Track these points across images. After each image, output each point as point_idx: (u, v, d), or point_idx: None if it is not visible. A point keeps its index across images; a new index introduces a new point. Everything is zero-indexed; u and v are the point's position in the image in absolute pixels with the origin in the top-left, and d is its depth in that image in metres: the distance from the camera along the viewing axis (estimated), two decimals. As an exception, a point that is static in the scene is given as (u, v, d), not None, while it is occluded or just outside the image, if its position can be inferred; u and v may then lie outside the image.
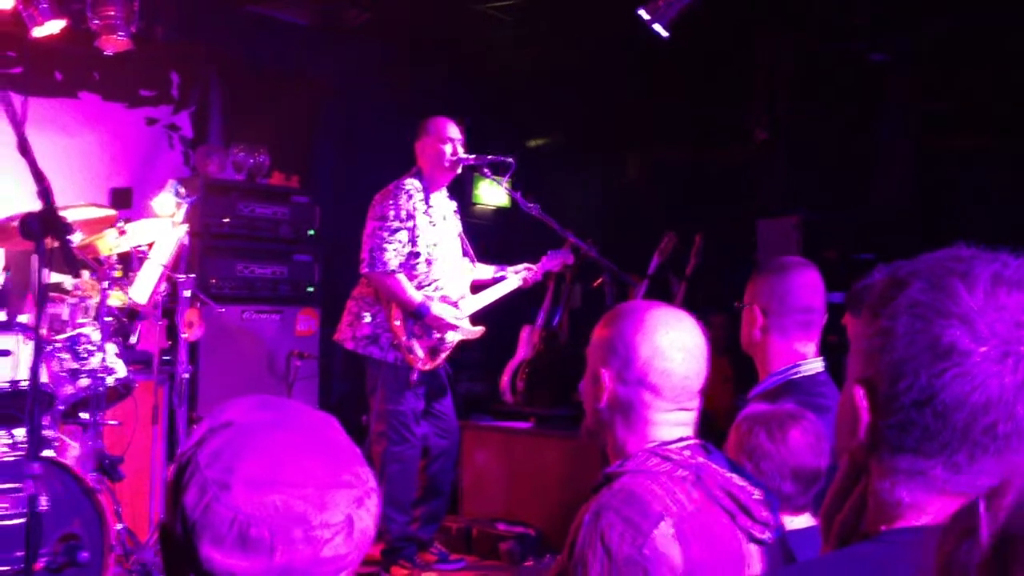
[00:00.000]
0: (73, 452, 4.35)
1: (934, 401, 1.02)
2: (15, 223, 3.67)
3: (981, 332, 1.01)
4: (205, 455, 1.10)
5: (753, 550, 1.78)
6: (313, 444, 1.13)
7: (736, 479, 1.79)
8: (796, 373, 2.70)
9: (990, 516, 0.74)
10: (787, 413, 2.26)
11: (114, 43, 5.09)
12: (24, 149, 2.78)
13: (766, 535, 1.78)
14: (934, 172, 5.87)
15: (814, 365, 2.72)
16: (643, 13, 4.87)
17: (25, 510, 3.58)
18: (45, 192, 2.73)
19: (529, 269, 5.32)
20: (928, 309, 1.03)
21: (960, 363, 1.01)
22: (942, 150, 5.94)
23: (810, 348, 2.74)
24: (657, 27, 4.87)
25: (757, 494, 1.79)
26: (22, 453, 3.72)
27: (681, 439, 1.84)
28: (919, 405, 1.03)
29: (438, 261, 5.00)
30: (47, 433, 3.97)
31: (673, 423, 1.85)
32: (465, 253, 5.26)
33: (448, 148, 4.96)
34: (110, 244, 4.40)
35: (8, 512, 3.67)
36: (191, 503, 1.08)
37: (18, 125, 2.80)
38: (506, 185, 5.01)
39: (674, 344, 1.84)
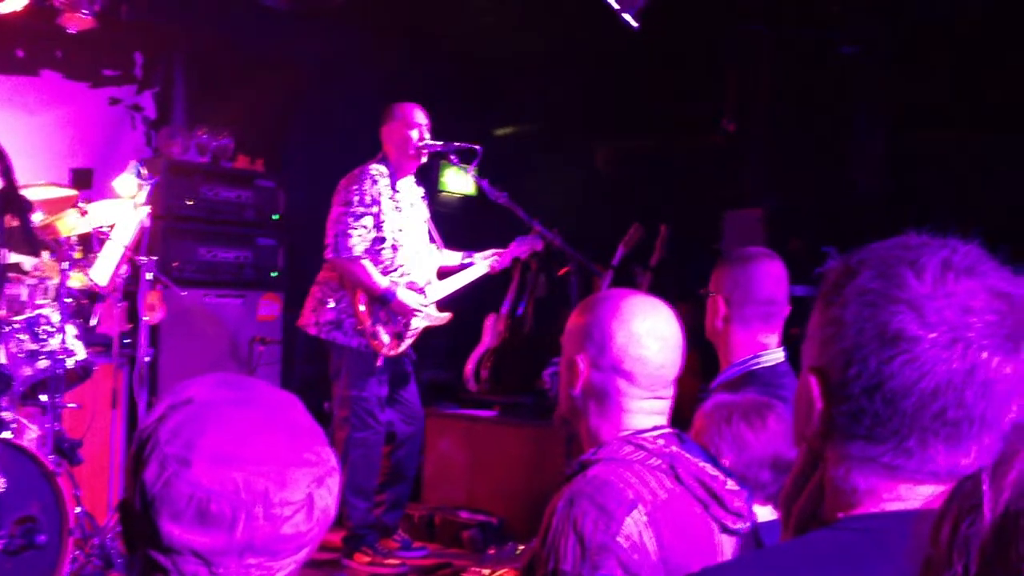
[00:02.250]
0: (31, 435, 4.30)
1: (883, 388, 1.02)
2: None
3: (929, 318, 1.01)
4: (166, 431, 1.10)
5: (725, 540, 1.78)
6: (274, 422, 1.14)
7: (709, 469, 1.79)
8: (757, 364, 2.72)
9: (993, 492, 0.74)
10: (762, 402, 2.27)
11: (78, 21, 5.03)
12: (-16, 126, 2.73)
13: (739, 525, 1.79)
14: (905, 164, 5.92)
15: (775, 356, 2.74)
16: (612, 2, 4.87)
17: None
18: (6, 170, 2.69)
19: (497, 255, 5.32)
20: (877, 296, 1.04)
21: (909, 350, 1.01)
22: (913, 143, 5.99)
23: (772, 339, 2.77)
24: (627, 17, 4.88)
25: (731, 484, 1.80)
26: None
27: (655, 428, 1.84)
28: (869, 392, 1.03)
29: (404, 247, 4.98)
30: (5, 415, 3.92)
31: (647, 411, 1.86)
32: (432, 239, 5.25)
33: (415, 134, 4.94)
34: (70, 225, 4.34)
35: (-36, 495, 3.62)
36: (151, 478, 1.08)
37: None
38: (473, 173, 5.00)
39: (650, 332, 1.85)
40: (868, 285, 1.05)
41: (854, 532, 1.05)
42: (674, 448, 1.80)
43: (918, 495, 1.04)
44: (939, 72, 5.71)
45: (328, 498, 1.13)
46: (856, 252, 1.09)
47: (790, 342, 2.80)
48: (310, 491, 1.11)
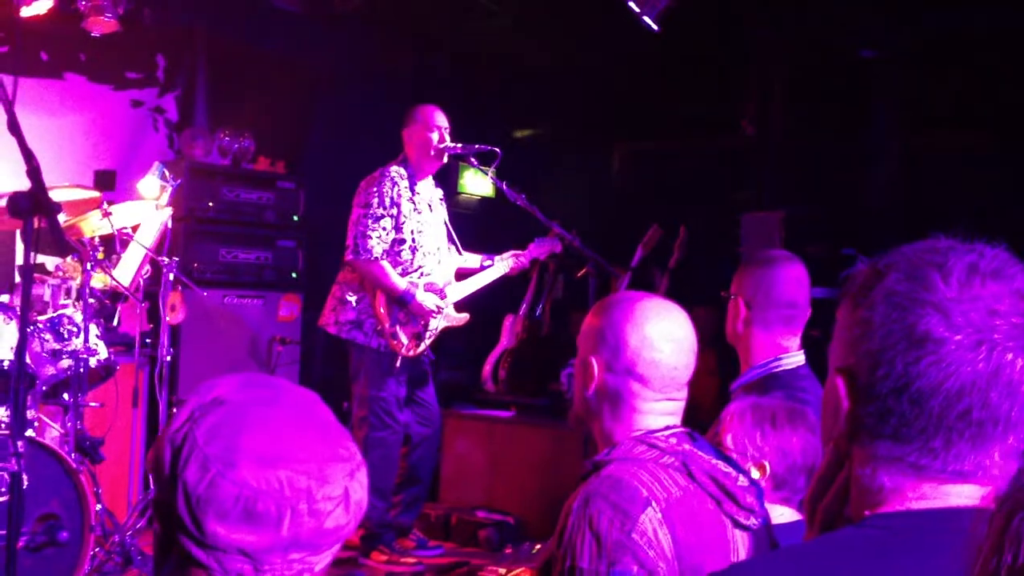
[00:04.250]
0: (53, 433, 4.34)
1: (910, 388, 1.04)
2: (1, 202, 3.67)
3: (955, 321, 1.03)
4: (202, 432, 1.12)
5: (738, 536, 1.80)
6: (306, 420, 1.16)
7: (721, 465, 1.81)
8: (778, 366, 2.72)
9: None
10: (795, 408, 2.27)
11: (101, 25, 5.07)
12: (14, 128, 2.76)
13: (751, 521, 1.80)
14: (922, 169, 5.91)
15: (796, 359, 2.74)
16: (633, 5, 4.89)
17: (4, 489, 3.59)
18: (34, 172, 2.72)
19: (516, 256, 5.33)
20: (904, 298, 1.06)
21: (935, 351, 1.03)
22: (930, 147, 5.98)
23: (793, 342, 2.76)
24: (647, 20, 4.89)
25: (743, 480, 1.81)
26: (1, 433, 3.70)
27: (667, 427, 1.86)
28: (896, 392, 1.05)
29: (423, 248, 5.01)
30: (28, 413, 3.95)
31: (660, 412, 1.87)
32: (450, 241, 5.27)
33: (435, 136, 4.97)
34: (94, 226, 4.39)
35: (-12, 491, 3.66)
36: (193, 479, 1.10)
37: (8, 104, 2.79)
38: (492, 175, 5.01)
39: (664, 335, 1.86)
40: (896, 287, 1.07)
41: (880, 530, 1.07)
42: (686, 446, 1.82)
43: (943, 494, 1.06)
44: (957, 76, 5.70)
45: (360, 491, 1.16)
46: (884, 255, 1.11)
47: (810, 345, 2.80)
48: (346, 485, 1.14)
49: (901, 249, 1.11)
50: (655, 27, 4.90)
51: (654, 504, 1.70)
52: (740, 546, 1.80)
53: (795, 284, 2.78)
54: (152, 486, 4.56)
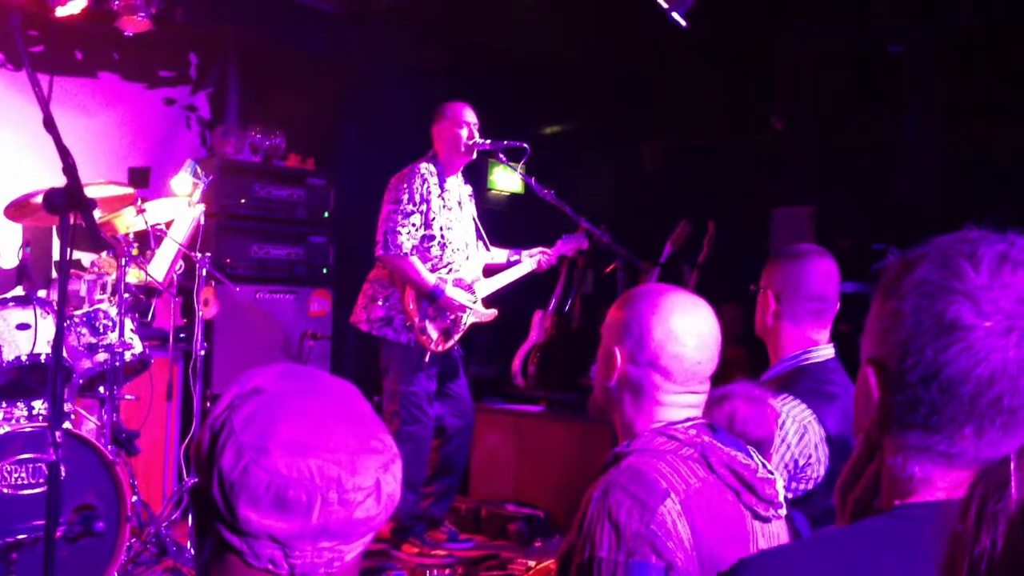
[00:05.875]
0: (89, 426, 4.41)
1: (940, 376, 1.04)
2: (37, 199, 3.73)
3: (985, 308, 1.03)
4: (239, 420, 1.14)
5: (758, 527, 1.80)
6: (342, 411, 1.18)
7: (741, 457, 1.81)
8: (807, 359, 2.71)
9: (1020, 472, 0.77)
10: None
11: (134, 24, 5.13)
12: (50, 126, 2.81)
13: (770, 512, 1.81)
14: (953, 162, 5.86)
15: (825, 352, 2.73)
16: (661, 1, 4.88)
17: (43, 480, 3.65)
18: (70, 169, 2.77)
19: (544, 253, 5.35)
20: (934, 287, 1.06)
21: (964, 338, 1.03)
22: (961, 140, 5.93)
23: (823, 335, 2.74)
24: (676, 16, 4.88)
25: (762, 472, 1.82)
26: (40, 425, 3.76)
27: (688, 419, 1.87)
28: (926, 381, 1.05)
29: (452, 244, 5.03)
30: (65, 406, 4.01)
31: (682, 405, 1.88)
32: (479, 238, 5.30)
33: (464, 132, 4.99)
34: (128, 222, 4.44)
35: (26, 482, 3.72)
36: (228, 465, 1.12)
37: (44, 103, 2.84)
38: (521, 171, 5.03)
39: (688, 329, 1.86)
40: (927, 277, 1.07)
41: (910, 520, 1.07)
42: (706, 438, 1.82)
43: None
44: (987, 68, 5.64)
45: (393, 484, 1.17)
46: (916, 246, 1.11)
47: (839, 338, 2.80)
48: (378, 477, 1.15)
49: (933, 240, 1.11)
50: (683, 23, 4.90)
51: (673, 496, 1.71)
52: (760, 538, 1.79)
53: (825, 278, 2.77)
54: (186, 477, 4.63)
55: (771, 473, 1.84)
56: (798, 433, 2.53)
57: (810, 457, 2.53)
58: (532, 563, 3.92)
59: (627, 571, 1.65)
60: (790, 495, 2.47)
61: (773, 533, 1.83)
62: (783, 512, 1.85)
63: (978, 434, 1.05)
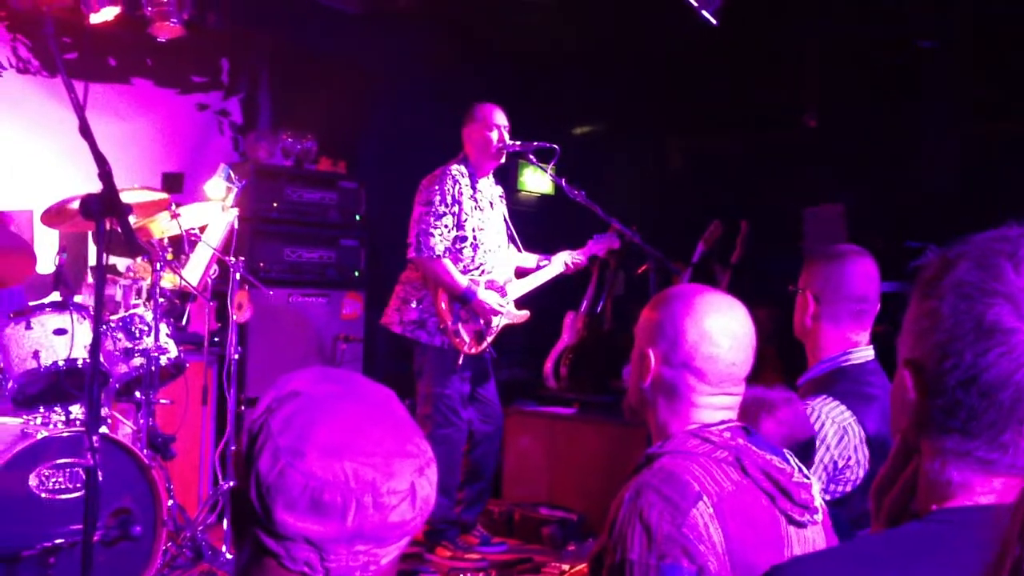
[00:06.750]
0: (126, 430, 4.45)
1: (979, 380, 1.02)
2: (73, 205, 3.77)
3: None
4: (277, 423, 1.15)
5: (793, 532, 1.78)
6: (378, 415, 1.18)
7: (776, 461, 1.79)
8: (846, 360, 2.67)
9: None
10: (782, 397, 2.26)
11: (167, 30, 5.17)
12: (85, 132, 2.83)
13: (805, 517, 1.78)
14: (985, 158, 5.79)
15: (865, 353, 2.69)
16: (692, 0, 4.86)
17: (80, 485, 3.69)
18: (106, 175, 2.79)
19: (575, 253, 5.33)
20: (973, 288, 1.03)
21: (1004, 342, 1.01)
22: (993, 135, 5.85)
23: (863, 337, 2.70)
24: (705, 14, 4.86)
25: (797, 476, 1.79)
26: (77, 430, 3.80)
27: (722, 422, 1.85)
28: (965, 385, 1.03)
29: (484, 246, 5.03)
30: (101, 411, 4.04)
31: (716, 406, 1.86)
32: (510, 239, 5.29)
33: (494, 135, 4.99)
34: (162, 227, 4.48)
35: (63, 486, 3.76)
36: (265, 468, 1.12)
37: (80, 109, 2.86)
38: (551, 172, 5.02)
39: (723, 330, 1.85)
40: (965, 277, 1.05)
41: (947, 525, 1.05)
42: (740, 441, 1.80)
43: (1012, 490, 1.03)
44: (1016, 62, 5.57)
45: (428, 488, 1.17)
46: (955, 244, 1.09)
47: (875, 340, 2.76)
48: (413, 481, 1.15)
49: (972, 238, 1.08)
50: (714, 21, 4.87)
51: (706, 498, 1.69)
52: (795, 543, 1.77)
53: (865, 279, 2.73)
54: (221, 481, 4.65)
55: (807, 478, 1.82)
56: (837, 435, 2.50)
57: (849, 459, 2.50)
58: (566, 567, 3.90)
59: (658, 574, 1.64)
60: (828, 497, 2.44)
61: (808, 538, 1.80)
62: (819, 517, 1.82)
63: (1017, 441, 1.03)
